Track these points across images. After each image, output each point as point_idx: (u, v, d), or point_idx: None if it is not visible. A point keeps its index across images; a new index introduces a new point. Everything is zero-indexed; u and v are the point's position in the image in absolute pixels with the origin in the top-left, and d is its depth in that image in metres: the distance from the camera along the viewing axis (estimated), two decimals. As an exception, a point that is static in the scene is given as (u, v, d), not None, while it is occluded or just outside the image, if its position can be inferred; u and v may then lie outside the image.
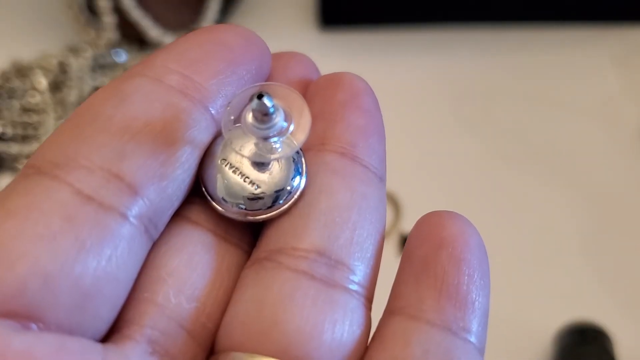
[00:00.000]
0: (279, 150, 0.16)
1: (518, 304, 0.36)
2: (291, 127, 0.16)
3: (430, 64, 0.45)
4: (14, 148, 0.38)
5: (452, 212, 0.17)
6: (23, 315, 0.14)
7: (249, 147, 0.17)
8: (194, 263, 0.17)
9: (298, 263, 0.17)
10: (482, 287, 0.17)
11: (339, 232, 0.17)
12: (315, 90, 0.19)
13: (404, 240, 0.33)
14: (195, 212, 0.17)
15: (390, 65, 0.46)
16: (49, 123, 0.39)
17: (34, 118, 0.39)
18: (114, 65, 0.42)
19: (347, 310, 0.16)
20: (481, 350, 0.17)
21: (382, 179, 0.19)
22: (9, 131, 0.39)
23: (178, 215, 0.17)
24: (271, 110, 0.16)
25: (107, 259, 0.15)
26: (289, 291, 0.16)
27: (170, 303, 0.16)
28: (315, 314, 0.16)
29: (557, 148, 0.42)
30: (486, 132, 0.43)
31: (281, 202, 0.17)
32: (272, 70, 0.19)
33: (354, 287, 0.17)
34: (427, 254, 0.17)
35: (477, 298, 0.17)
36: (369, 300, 0.17)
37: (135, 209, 0.15)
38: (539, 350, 0.35)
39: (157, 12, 0.42)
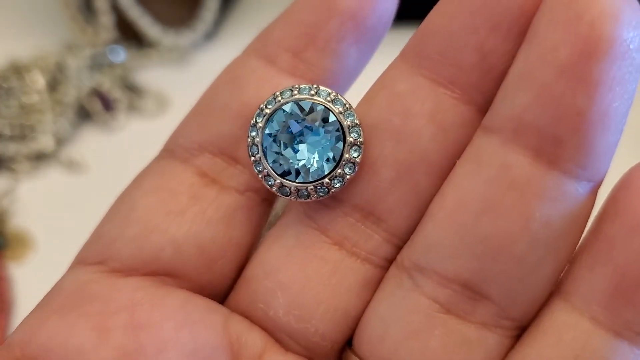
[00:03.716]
0: None
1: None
2: None
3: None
4: (11, 148, 0.38)
5: None
6: (161, 274, 0.17)
7: None
8: (310, 280, 0.17)
9: (437, 291, 0.15)
10: None
11: (494, 267, 0.15)
12: (540, 23, 0.14)
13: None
14: (325, 219, 0.17)
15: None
16: (47, 122, 0.39)
17: (32, 117, 0.39)
18: (112, 64, 0.42)
19: (480, 349, 0.15)
20: None
21: (591, 189, 0.14)
22: (7, 131, 0.38)
23: (306, 215, 0.17)
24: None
25: (228, 227, 0.17)
26: (416, 324, 0.16)
27: (280, 320, 0.17)
28: (439, 353, 0.15)
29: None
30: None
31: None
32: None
33: (498, 322, 0.15)
34: (615, 235, 0.14)
35: None
36: (520, 328, 0.15)
37: (251, 186, 0.17)
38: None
39: (155, 10, 0.42)
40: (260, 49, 0.18)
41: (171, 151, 0.18)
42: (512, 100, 0.14)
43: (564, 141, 0.14)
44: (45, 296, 0.17)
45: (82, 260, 0.17)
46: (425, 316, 0.15)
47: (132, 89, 0.41)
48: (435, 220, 0.15)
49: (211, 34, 0.44)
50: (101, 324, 0.16)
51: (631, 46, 0.13)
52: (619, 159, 0.44)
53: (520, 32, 0.14)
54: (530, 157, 0.14)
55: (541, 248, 0.14)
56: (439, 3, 0.15)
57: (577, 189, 0.14)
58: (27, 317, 0.16)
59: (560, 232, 0.14)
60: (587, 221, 0.15)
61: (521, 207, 0.14)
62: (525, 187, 0.14)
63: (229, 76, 0.18)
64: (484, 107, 0.15)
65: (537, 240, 0.14)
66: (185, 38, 0.43)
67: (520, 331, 0.15)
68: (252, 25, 0.46)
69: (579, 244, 0.15)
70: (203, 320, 0.16)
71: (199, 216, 0.17)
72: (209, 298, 0.17)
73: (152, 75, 0.42)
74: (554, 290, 0.15)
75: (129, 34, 0.42)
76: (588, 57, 0.13)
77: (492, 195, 0.14)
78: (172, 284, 0.17)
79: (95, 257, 0.17)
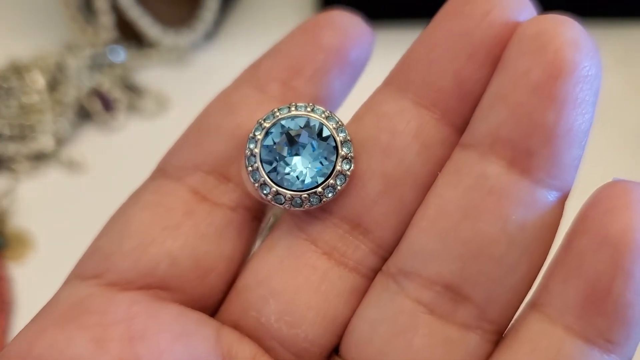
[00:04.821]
0: None
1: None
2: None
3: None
4: (11, 148, 0.38)
5: (634, 185, 0.14)
6: (156, 287, 0.17)
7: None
8: (300, 287, 0.17)
9: (421, 293, 0.16)
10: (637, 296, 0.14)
11: (474, 268, 0.15)
12: (511, 52, 0.15)
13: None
14: (315, 230, 0.18)
15: (393, 62, 0.46)
16: (47, 122, 0.39)
17: (32, 117, 0.39)
18: (112, 64, 0.42)
19: (461, 349, 0.16)
20: None
21: (559, 199, 0.16)
22: (7, 131, 0.38)
23: (297, 227, 0.18)
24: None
25: (220, 241, 0.18)
26: (401, 325, 0.16)
27: (272, 326, 0.17)
28: (423, 352, 0.16)
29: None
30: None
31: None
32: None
33: (478, 323, 0.16)
34: (585, 249, 0.14)
35: (629, 310, 0.14)
36: (498, 333, 0.16)
37: (243, 203, 0.18)
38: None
39: (155, 10, 0.42)
40: (251, 79, 0.19)
41: (163, 171, 0.19)
42: (488, 117, 0.16)
43: (535, 153, 0.15)
44: (41, 309, 0.17)
45: (78, 274, 0.18)
46: (410, 317, 0.16)
47: (132, 89, 0.41)
48: (419, 228, 0.16)
49: (211, 34, 0.44)
50: (99, 335, 0.16)
51: (590, 72, 0.15)
52: (621, 158, 0.44)
53: (494, 60, 0.16)
54: (506, 167, 0.15)
55: (517, 250, 0.15)
56: (420, 34, 0.17)
57: (548, 197, 0.15)
58: (23, 329, 0.17)
59: (534, 235, 0.16)
60: (556, 229, 0.16)
61: (499, 211, 0.15)
62: (502, 193, 0.15)
63: (221, 102, 0.19)
64: (461, 128, 0.17)
65: (514, 242, 0.15)
66: (185, 38, 0.43)
67: (498, 337, 0.16)
68: (252, 25, 0.46)
69: (552, 259, 0.16)
70: (196, 333, 0.17)
71: (193, 230, 0.18)
72: (200, 311, 0.18)
73: (152, 75, 0.42)
74: (529, 303, 0.16)
75: (129, 34, 0.42)
76: (555, 79, 0.15)
77: (471, 202, 0.16)
78: (165, 297, 0.17)
79: (92, 270, 0.17)
